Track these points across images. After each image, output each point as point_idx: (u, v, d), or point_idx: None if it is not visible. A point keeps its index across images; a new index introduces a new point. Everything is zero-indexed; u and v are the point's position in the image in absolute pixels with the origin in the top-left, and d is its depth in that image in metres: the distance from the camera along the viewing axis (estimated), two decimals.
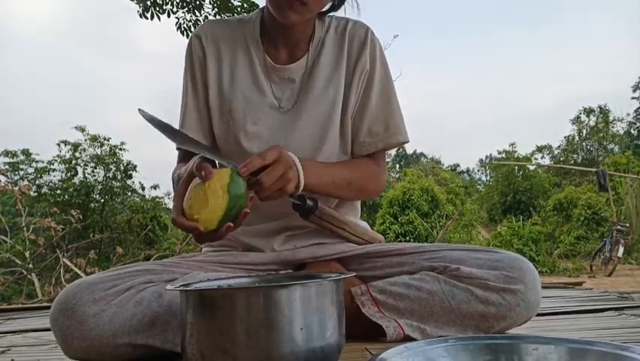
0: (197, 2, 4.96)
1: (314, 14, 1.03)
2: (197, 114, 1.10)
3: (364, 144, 1.10)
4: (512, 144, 17.51)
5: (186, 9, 4.97)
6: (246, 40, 1.10)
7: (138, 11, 4.80)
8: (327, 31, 1.11)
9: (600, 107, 20.95)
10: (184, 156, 1.12)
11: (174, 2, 4.90)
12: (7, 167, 11.95)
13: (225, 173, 0.79)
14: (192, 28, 5.06)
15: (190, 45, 1.12)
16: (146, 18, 4.83)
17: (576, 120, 21.67)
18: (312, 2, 0.96)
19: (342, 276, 0.72)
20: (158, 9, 4.82)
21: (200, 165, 0.78)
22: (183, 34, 5.07)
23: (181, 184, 0.83)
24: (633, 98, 20.91)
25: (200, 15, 5.06)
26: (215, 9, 5.02)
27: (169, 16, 4.90)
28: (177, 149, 1.13)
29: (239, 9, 4.98)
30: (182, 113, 1.12)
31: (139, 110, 0.88)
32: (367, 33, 1.11)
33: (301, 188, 0.92)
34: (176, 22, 4.98)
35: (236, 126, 1.05)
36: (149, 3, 4.76)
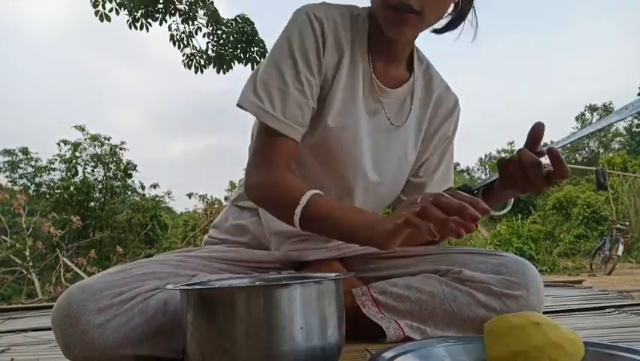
0: (190, 14, 4.99)
1: (427, 27, 0.95)
2: (304, 104, 0.92)
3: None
4: (511, 143, 17.55)
5: (181, 19, 5.00)
6: (353, 41, 0.98)
7: (128, 21, 4.81)
8: (424, 75, 1.08)
9: (604, 104, 20.99)
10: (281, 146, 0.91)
11: (168, 11, 4.93)
12: (6, 165, 11.95)
13: None
14: (185, 40, 5.10)
15: (308, 24, 0.94)
16: (136, 28, 4.84)
17: (580, 117, 21.72)
18: (429, 11, 0.88)
19: (343, 276, 0.72)
20: (148, 19, 4.85)
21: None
22: (175, 45, 5.09)
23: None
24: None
25: (193, 25, 5.10)
26: (208, 22, 5.06)
27: (161, 24, 4.92)
28: (272, 130, 0.90)
29: (233, 22, 5.02)
30: (289, 102, 0.90)
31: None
32: (456, 104, 1.11)
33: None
34: (169, 33, 5.02)
35: (323, 125, 0.96)
36: (137, 15, 4.78)
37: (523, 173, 0.81)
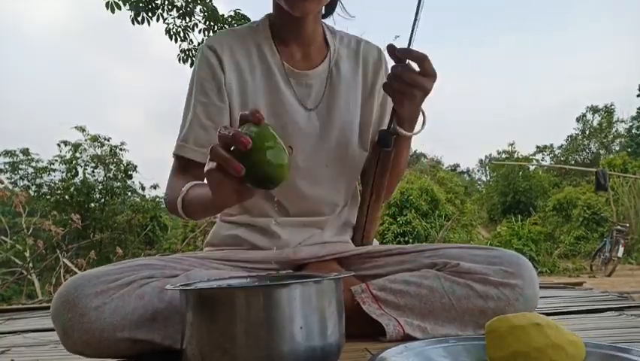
0: (188, 9, 5.02)
1: (325, 2, 1.04)
2: (208, 126, 1.02)
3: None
4: (512, 144, 17.55)
5: (177, 14, 5.04)
6: (259, 47, 1.08)
7: (130, 16, 4.84)
8: (341, 44, 1.14)
9: (606, 106, 20.98)
10: (186, 167, 1.03)
11: (165, 7, 4.96)
12: (7, 167, 11.96)
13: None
14: (181, 34, 5.14)
15: (203, 56, 1.06)
16: (139, 23, 4.87)
17: (581, 118, 21.72)
18: None
19: (342, 275, 0.72)
20: (149, 14, 4.88)
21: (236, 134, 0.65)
22: (172, 39, 5.14)
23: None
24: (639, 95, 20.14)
25: (190, 21, 5.14)
26: (206, 18, 5.10)
27: (158, 20, 4.96)
28: (176, 156, 1.04)
29: (230, 19, 5.06)
30: (187, 127, 1.03)
31: None
32: (381, 54, 1.17)
33: (424, 99, 0.97)
34: (166, 27, 5.05)
35: None
36: (140, 5, 4.80)
37: (402, 81, 0.93)
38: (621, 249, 7.90)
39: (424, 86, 0.93)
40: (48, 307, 2.13)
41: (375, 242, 1.19)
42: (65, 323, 0.80)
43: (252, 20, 1.15)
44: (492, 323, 0.59)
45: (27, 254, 4.79)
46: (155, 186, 12.50)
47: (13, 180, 12.00)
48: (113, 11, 4.54)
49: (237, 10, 5.04)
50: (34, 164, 12.18)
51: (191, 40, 5.18)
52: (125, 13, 4.84)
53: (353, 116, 1.10)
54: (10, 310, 2.24)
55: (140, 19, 4.86)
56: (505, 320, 0.58)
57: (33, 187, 11.90)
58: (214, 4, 5.08)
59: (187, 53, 5.19)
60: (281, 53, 1.08)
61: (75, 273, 4.37)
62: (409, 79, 0.92)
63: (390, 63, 0.97)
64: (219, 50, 1.05)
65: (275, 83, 1.06)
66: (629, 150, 17.39)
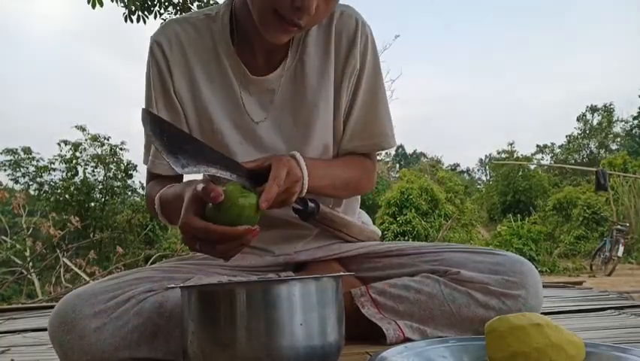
0: (185, 5, 4.97)
1: (304, 30, 0.93)
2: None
3: (345, 151, 1.04)
4: (511, 144, 17.55)
5: (174, 11, 4.98)
6: (215, 45, 0.97)
7: (124, 14, 4.79)
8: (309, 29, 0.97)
9: (605, 105, 21.01)
10: (159, 178, 1.03)
11: (161, 3, 4.90)
12: (7, 164, 11.99)
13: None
14: None
15: (150, 53, 0.98)
16: (132, 21, 4.82)
17: (581, 118, 21.75)
18: (311, 25, 0.86)
19: (341, 274, 0.72)
20: (145, 12, 4.82)
21: (207, 188, 0.69)
22: None
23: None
24: None
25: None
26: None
27: (156, 17, 4.90)
28: (150, 170, 1.04)
29: None
30: (148, 145, 1.02)
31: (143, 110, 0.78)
32: (357, 26, 0.98)
33: (304, 194, 0.86)
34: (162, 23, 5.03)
35: (222, 147, 0.96)
36: (133, 8, 4.75)
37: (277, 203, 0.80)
38: (621, 248, 7.90)
39: (288, 192, 0.81)
40: (48, 307, 2.13)
41: (376, 229, 1.15)
42: (64, 344, 0.79)
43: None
44: (492, 323, 0.59)
45: (27, 254, 4.79)
46: None
47: (14, 177, 12.03)
48: (93, 7, 4.45)
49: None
50: (35, 162, 12.20)
51: None
52: (122, 10, 4.80)
53: (324, 119, 0.99)
54: (10, 309, 2.24)
55: (135, 17, 4.82)
56: (505, 320, 0.58)
57: (34, 186, 11.92)
58: None
59: None
60: (239, 53, 0.96)
61: (75, 272, 4.37)
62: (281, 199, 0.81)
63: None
64: (167, 47, 0.96)
65: (233, 93, 0.97)
66: (630, 149, 17.39)
